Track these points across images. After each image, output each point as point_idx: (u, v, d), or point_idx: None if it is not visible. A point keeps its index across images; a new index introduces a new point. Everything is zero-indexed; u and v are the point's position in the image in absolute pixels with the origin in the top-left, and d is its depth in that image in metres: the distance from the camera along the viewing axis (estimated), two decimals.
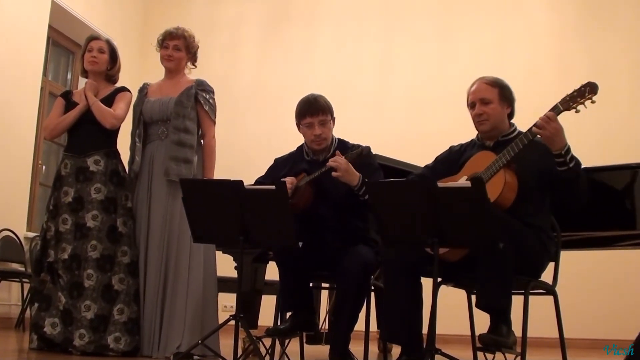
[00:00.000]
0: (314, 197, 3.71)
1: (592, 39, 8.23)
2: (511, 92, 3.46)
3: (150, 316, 4.19)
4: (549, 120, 3.06)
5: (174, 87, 4.43)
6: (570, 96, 3.09)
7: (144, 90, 4.55)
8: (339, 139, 3.89)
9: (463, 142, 3.64)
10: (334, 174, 3.54)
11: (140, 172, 4.40)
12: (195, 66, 4.59)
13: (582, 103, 3.06)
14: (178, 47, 4.45)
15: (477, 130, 3.48)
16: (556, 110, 3.10)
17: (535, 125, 3.10)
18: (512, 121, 3.48)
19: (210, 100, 4.46)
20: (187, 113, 4.34)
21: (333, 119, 3.82)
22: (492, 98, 3.40)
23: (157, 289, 4.21)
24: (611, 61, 8.02)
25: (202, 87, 4.44)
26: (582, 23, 8.35)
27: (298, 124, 3.83)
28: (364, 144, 3.80)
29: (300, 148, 3.97)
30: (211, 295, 4.29)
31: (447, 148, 3.68)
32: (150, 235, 4.29)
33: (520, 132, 3.33)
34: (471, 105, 3.46)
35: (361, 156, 3.58)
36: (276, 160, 4.04)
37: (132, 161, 4.43)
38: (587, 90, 3.05)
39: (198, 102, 4.40)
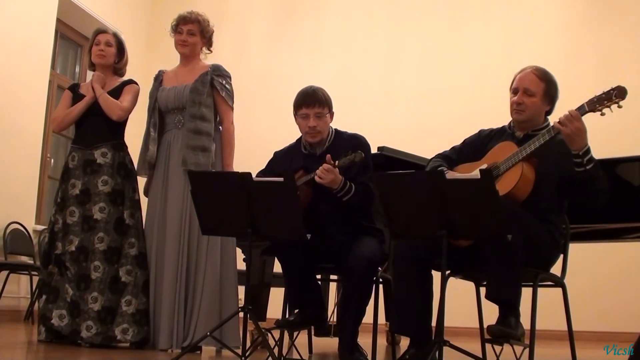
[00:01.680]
0: (313, 194, 3.70)
1: (601, 32, 8.18)
2: (557, 90, 3.40)
3: (169, 308, 4.11)
4: (572, 119, 3.02)
5: (190, 73, 4.34)
6: (597, 98, 3.05)
7: (159, 77, 4.47)
8: (335, 130, 3.83)
9: (485, 128, 3.61)
10: (317, 179, 3.52)
11: (156, 161, 4.32)
12: (211, 51, 4.50)
13: (609, 106, 3.03)
14: (192, 31, 4.36)
15: (512, 117, 3.43)
16: (581, 110, 3.07)
17: (558, 121, 3.08)
18: (548, 117, 3.43)
19: (227, 86, 4.36)
20: (203, 100, 4.26)
21: (331, 113, 3.75)
22: (536, 91, 3.34)
23: (177, 281, 4.12)
24: (620, 54, 7.98)
25: (218, 72, 4.34)
26: (591, 15, 8.31)
27: (295, 115, 3.79)
28: (364, 135, 3.78)
29: (299, 140, 3.91)
30: (230, 288, 4.20)
31: (477, 131, 3.64)
32: (167, 226, 4.21)
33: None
34: (514, 91, 3.39)
35: (353, 163, 3.53)
36: (275, 153, 3.99)
37: (145, 150, 4.35)
38: (615, 94, 3.00)
39: (214, 88, 4.31)
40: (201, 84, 4.28)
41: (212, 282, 4.15)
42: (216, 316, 4.09)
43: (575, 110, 3.06)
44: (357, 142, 3.70)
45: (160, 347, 4.07)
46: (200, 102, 4.25)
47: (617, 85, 3.02)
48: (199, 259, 4.17)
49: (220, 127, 4.38)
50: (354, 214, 3.69)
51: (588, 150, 3.09)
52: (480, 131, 3.63)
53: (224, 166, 4.32)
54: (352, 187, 3.57)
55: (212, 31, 4.46)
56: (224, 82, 4.35)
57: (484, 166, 3.31)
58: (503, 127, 3.54)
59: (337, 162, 3.50)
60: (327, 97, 3.75)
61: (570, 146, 3.09)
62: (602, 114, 3.05)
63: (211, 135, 4.26)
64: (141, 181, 4.47)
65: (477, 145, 3.53)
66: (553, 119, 3.37)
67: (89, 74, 4.79)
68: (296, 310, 3.68)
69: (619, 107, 3.02)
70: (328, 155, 3.55)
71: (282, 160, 3.90)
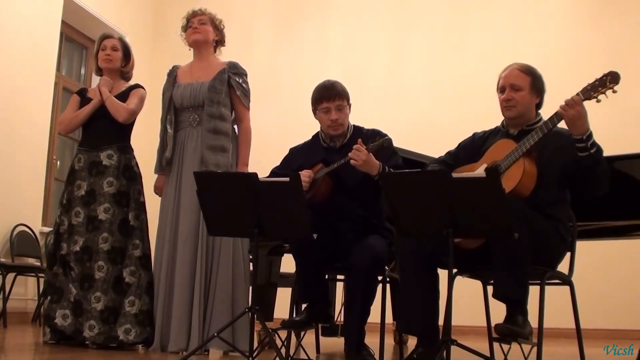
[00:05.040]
0: (332, 188, 3.69)
1: (608, 27, 8.14)
2: (543, 83, 3.42)
3: (182, 311, 4.04)
4: (574, 103, 3.02)
5: (206, 70, 4.30)
6: (591, 85, 3.04)
7: (173, 73, 4.43)
8: (354, 125, 3.84)
9: (487, 128, 3.61)
10: (352, 162, 3.49)
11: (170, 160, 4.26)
12: (224, 45, 4.49)
13: (603, 92, 3.02)
14: (203, 21, 4.36)
15: (503, 115, 3.43)
16: None
17: (560, 107, 3.07)
18: (539, 112, 3.43)
19: (244, 85, 4.33)
20: (221, 99, 4.21)
21: (349, 104, 3.76)
22: (523, 85, 3.35)
23: (192, 284, 4.06)
24: (627, 49, 7.94)
25: (235, 70, 4.31)
26: (597, 10, 8.27)
27: (314, 110, 3.77)
28: (381, 131, 3.78)
29: (315, 136, 3.91)
30: (242, 290, 4.15)
31: (471, 134, 3.63)
32: (180, 228, 4.15)
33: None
34: (501, 90, 3.41)
35: (382, 148, 3.52)
36: (291, 150, 3.99)
37: (163, 148, 4.28)
38: (609, 80, 3.00)
39: (231, 87, 4.28)
40: (219, 82, 4.24)
41: (225, 284, 4.10)
42: (229, 318, 4.02)
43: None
44: (378, 135, 3.67)
45: (170, 350, 4.03)
46: (219, 101, 4.21)
47: (609, 70, 3.01)
48: (214, 261, 4.13)
49: (236, 126, 4.33)
50: (367, 211, 3.69)
51: (591, 135, 3.08)
52: (474, 134, 3.63)
53: (242, 165, 4.28)
54: (391, 170, 3.56)
55: (223, 25, 4.46)
56: (240, 80, 4.32)
57: (484, 165, 3.31)
58: (497, 127, 3.54)
59: (366, 147, 3.49)
60: (344, 89, 3.76)
61: (572, 131, 3.08)
62: (598, 101, 3.03)
63: (229, 135, 4.22)
64: (148, 181, 4.47)
65: (473, 147, 3.54)
66: (544, 112, 3.37)
67: (95, 77, 4.79)
68: (304, 307, 3.68)
69: (614, 92, 3.01)
70: (359, 140, 3.53)
71: (299, 156, 3.89)
